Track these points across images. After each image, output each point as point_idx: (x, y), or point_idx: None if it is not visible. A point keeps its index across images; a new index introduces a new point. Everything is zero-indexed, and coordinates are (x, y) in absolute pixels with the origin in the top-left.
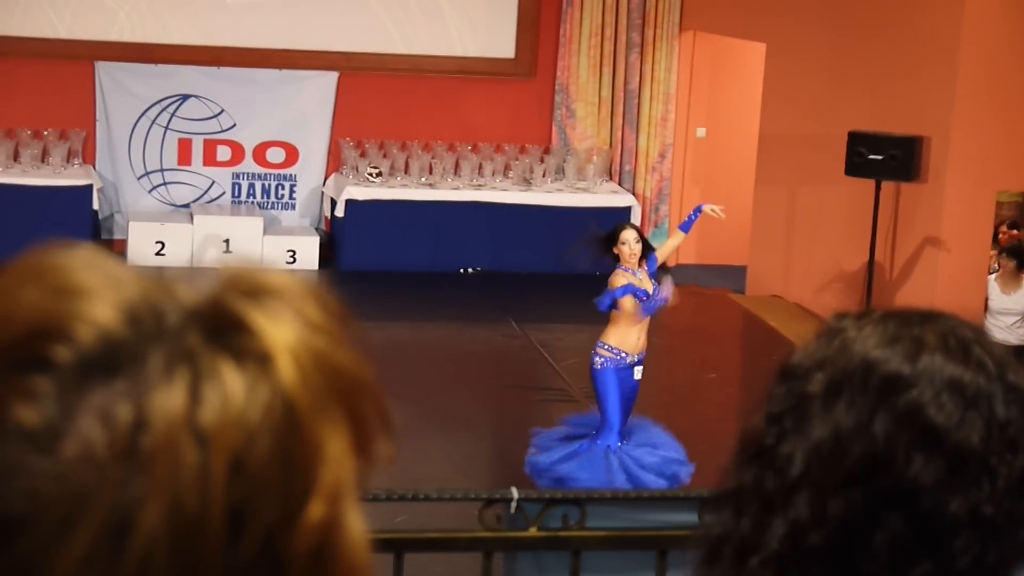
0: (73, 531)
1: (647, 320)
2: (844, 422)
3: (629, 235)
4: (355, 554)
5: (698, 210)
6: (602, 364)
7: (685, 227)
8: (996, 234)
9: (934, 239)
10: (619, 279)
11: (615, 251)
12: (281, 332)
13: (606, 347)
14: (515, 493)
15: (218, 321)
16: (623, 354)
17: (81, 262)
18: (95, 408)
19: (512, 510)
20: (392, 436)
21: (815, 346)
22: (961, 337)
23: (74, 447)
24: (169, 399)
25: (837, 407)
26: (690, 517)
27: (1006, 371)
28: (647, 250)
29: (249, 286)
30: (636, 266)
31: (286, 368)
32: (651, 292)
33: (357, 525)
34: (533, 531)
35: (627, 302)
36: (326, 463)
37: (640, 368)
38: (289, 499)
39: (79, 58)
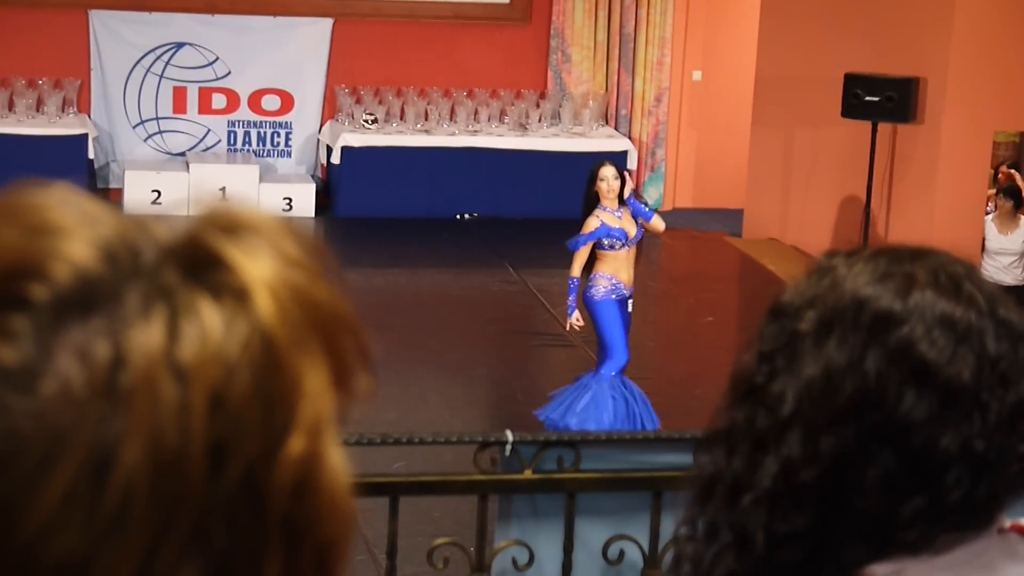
0: (53, 470)
1: (632, 255)
2: (835, 359)
3: (607, 171)
4: (336, 488)
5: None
6: (603, 294)
7: (647, 216)
8: (996, 174)
9: (931, 180)
10: (593, 222)
11: (595, 190)
12: (258, 267)
13: (603, 276)
14: (510, 436)
15: (195, 257)
16: (619, 283)
17: (55, 200)
18: (73, 346)
19: (507, 453)
20: (372, 370)
21: (806, 284)
22: (952, 273)
23: (52, 385)
24: (147, 336)
25: (828, 344)
26: (685, 458)
27: (997, 306)
28: (627, 187)
29: (226, 222)
30: (615, 204)
31: (264, 303)
32: (631, 233)
33: (338, 460)
34: (528, 474)
35: (580, 254)
36: (306, 397)
37: (631, 301)
38: (269, 434)
39: (73, 7)
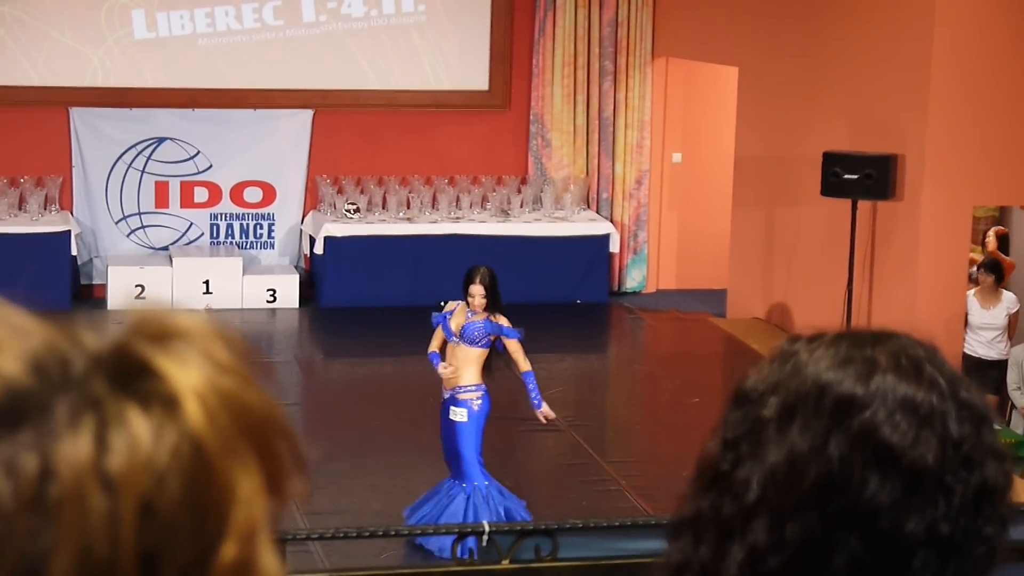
0: None
1: (460, 355)
2: (799, 445)
3: (476, 290)
4: None
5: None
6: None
7: (510, 335)
8: (984, 238)
9: (912, 255)
10: (449, 305)
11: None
12: (187, 374)
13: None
14: (487, 526)
15: (123, 367)
16: (443, 389)
17: None
18: (0, 460)
19: (484, 543)
20: (305, 473)
21: (768, 370)
22: (913, 356)
23: None
24: (75, 447)
25: (792, 431)
26: (662, 544)
27: (958, 389)
28: (495, 303)
29: (155, 330)
30: (480, 312)
31: (193, 410)
32: (454, 328)
33: (271, 563)
34: (506, 564)
35: (436, 332)
36: (238, 503)
37: (459, 409)
38: (201, 541)
39: (54, 105)
